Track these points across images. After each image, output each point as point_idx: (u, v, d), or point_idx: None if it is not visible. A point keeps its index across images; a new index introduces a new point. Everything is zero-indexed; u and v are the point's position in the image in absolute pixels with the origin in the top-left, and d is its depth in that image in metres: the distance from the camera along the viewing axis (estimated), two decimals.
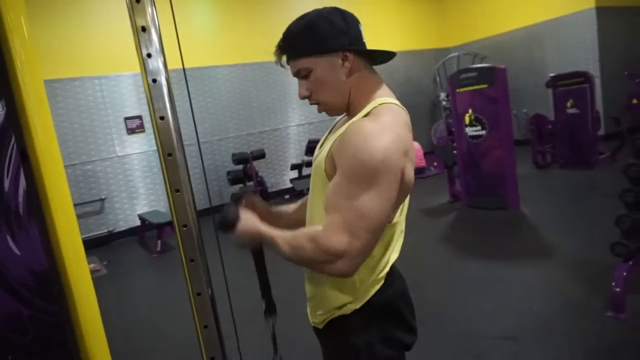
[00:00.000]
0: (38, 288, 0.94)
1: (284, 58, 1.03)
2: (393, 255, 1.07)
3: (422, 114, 9.98)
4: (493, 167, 4.91)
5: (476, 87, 4.88)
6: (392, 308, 1.05)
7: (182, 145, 1.15)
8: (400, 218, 1.04)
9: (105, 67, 6.13)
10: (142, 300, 3.96)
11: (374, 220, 0.88)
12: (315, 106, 1.07)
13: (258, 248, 1.15)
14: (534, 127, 6.73)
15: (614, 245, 2.54)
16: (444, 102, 9.06)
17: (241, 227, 1.05)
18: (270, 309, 1.21)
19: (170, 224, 5.43)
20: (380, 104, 0.98)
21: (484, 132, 4.88)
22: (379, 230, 0.91)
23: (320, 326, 1.10)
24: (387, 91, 1.05)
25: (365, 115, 0.97)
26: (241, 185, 6.80)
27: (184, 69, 1.15)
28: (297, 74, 1.03)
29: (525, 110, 7.93)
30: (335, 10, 1.01)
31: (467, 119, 5.00)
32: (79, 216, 6.00)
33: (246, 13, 7.31)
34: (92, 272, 4.85)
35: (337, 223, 0.88)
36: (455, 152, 5.40)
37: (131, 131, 6.43)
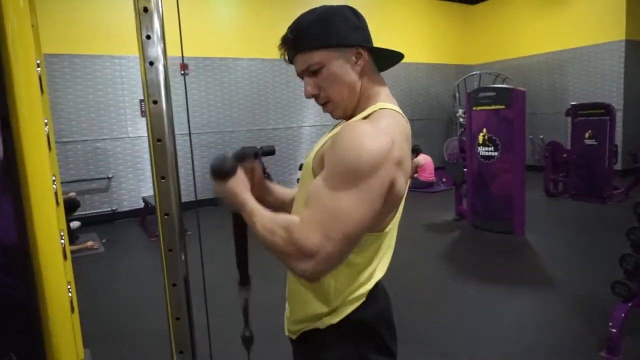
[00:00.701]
0: (5, 262, 0.91)
1: (288, 54, 0.98)
2: (378, 273, 1.00)
3: (438, 129, 9.90)
4: (502, 189, 4.82)
5: (493, 107, 4.81)
6: (370, 328, 0.99)
7: (173, 132, 1.12)
8: (388, 230, 0.97)
9: (126, 48, 6.16)
10: (132, 283, 3.96)
11: (351, 226, 0.81)
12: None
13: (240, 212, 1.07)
14: (549, 154, 6.61)
15: (615, 285, 2.46)
16: (460, 119, 8.98)
17: (229, 184, 0.99)
18: (244, 281, 1.14)
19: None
20: (381, 109, 0.94)
21: (496, 153, 4.80)
22: (354, 238, 0.84)
23: (294, 336, 1.06)
24: (390, 97, 1.00)
25: (364, 118, 0.93)
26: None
27: (182, 56, 1.12)
28: (305, 70, 0.96)
29: (541, 136, 7.82)
30: (347, 7, 0.97)
31: (480, 138, 4.92)
32: (85, 192, 6.07)
33: (271, 9, 7.31)
34: (89, 248, 4.87)
35: (314, 220, 0.82)
36: (465, 170, 5.33)
37: (144, 114, 6.44)
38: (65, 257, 2.21)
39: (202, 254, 1.24)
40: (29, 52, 0.93)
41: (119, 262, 4.55)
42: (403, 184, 0.92)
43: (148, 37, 1.06)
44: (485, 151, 4.89)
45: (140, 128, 6.45)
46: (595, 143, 6.08)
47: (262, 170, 1.19)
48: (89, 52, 6.00)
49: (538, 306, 3.07)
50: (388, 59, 1.04)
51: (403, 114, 0.98)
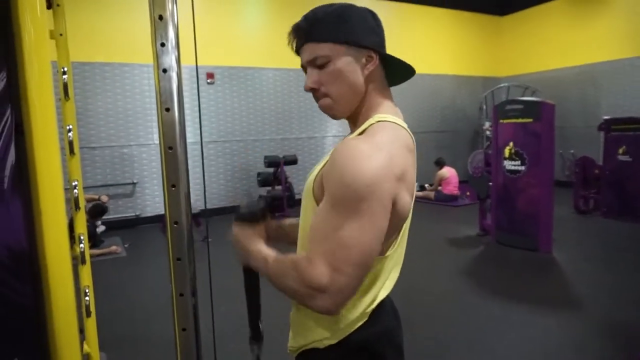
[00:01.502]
0: (13, 266, 0.92)
1: (296, 42, 0.95)
2: (382, 292, 0.95)
3: (464, 142, 9.75)
4: (528, 205, 4.68)
5: (521, 120, 4.69)
6: (372, 349, 0.94)
7: (185, 140, 1.11)
8: (393, 251, 0.93)
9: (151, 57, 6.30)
10: (151, 288, 3.99)
11: (359, 253, 0.77)
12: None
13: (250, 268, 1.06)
14: (579, 170, 6.40)
15: None
16: (487, 132, 8.81)
17: (250, 231, 0.99)
18: (256, 337, 1.12)
19: (194, 217, 5.49)
20: (378, 122, 0.89)
21: (523, 168, 4.67)
22: (366, 265, 0.80)
23: (295, 354, 1.02)
24: (392, 109, 0.95)
25: (360, 134, 0.89)
26: (269, 188, 6.81)
27: (197, 65, 1.12)
28: (311, 62, 0.91)
29: (572, 151, 7.59)
30: (367, 10, 0.94)
31: (507, 152, 4.80)
32: (110, 196, 6.20)
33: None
34: (113, 253, 4.96)
35: (319, 253, 0.79)
36: (490, 184, 5.20)
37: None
38: (84, 261, 2.23)
39: (210, 263, 1.22)
40: (45, 61, 0.94)
41: (140, 267, 4.61)
42: (407, 200, 0.86)
43: (162, 44, 1.05)
44: (512, 165, 4.76)
45: None
46: (630, 159, 5.86)
47: (274, 224, 1.17)
48: (119, 60, 6.18)
49: (563, 327, 2.94)
50: (398, 72, 0.99)
51: (405, 126, 0.92)
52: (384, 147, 0.81)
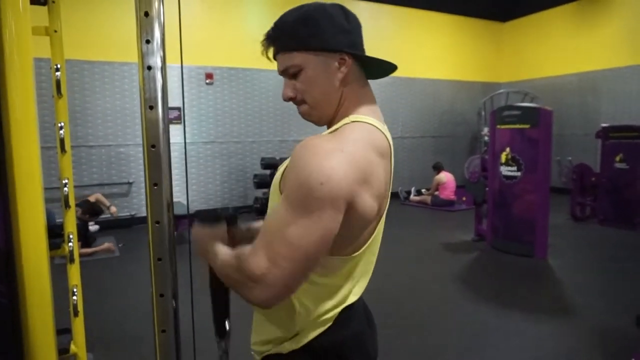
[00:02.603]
0: None
1: (272, 51, 0.93)
2: (351, 297, 0.93)
3: (462, 147, 9.74)
4: (524, 211, 4.67)
5: (518, 125, 4.68)
6: (338, 353, 0.91)
7: (168, 139, 1.09)
8: (360, 254, 0.89)
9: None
10: (142, 289, 3.96)
11: (299, 251, 0.75)
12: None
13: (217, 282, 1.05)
14: (577, 177, 6.40)
15: None
16: (485, 137, 8.80)
17: (208, 231, 0.97)
18: (220, 334, 1.09)
19: (187, 217, 5.48)
20: (353, 122, 0.86)
21: (519, 174, 4.66)
22: (306, 263, 0.77)
23: (258, 357, 0.99)
24: (369, 109, 0.92)
25: (332, 133, 0.86)
26: (265, 190, 6.80)
27: (181, 64, 1.11)
28: (284, 72, 0.91)
29: (569, 158, 7.58)
30: (338, 6, 0.89)
31: (503, 157, 4.80)
32: (106, 196, 6.17)
33: None
34: (106, 250, 4.93)
35: (262, 246, 0.78)
36: (486, 189, 5.19)
37: (170, 121, 6.57)
38: (72, 260, 2.21)
39: (191, 266, 1.21)
40: (26, 57, 0.93)
41: (132, 267, 4.59)
42: (370, 204, 0.82)
43: (148, 41, 1.04)
44: (508, 171, 4.76)
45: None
46: (627, 167, 5.86)
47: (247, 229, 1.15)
48: (118, 59, 6.17)
49: (557, 335, 2.92)
50: (379, 67, 0.95)
51: (382, 128, 0.89)
52: (346, 148, 0.78)
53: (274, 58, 0.94)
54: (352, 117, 0.88)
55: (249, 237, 1.12)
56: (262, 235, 0.80)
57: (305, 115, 0.94)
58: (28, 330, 0.95)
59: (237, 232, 1.08)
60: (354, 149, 0.79)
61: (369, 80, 0.99)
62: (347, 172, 0.76)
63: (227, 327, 1.11)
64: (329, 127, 0.95)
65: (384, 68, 0.96)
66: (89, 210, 5.00)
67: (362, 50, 0.92)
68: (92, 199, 5.40)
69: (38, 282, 0.96)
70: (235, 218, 1.07)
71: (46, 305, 0.99)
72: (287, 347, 0.90)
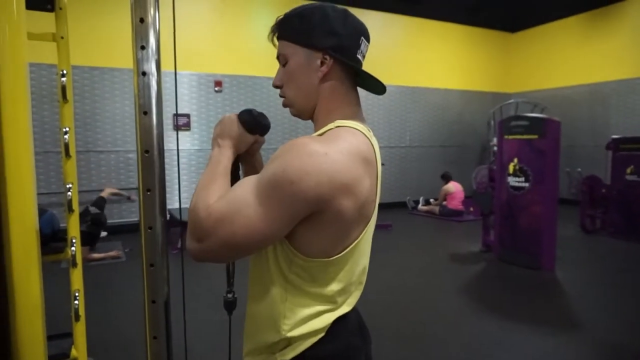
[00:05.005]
0: None
1: (275, 37, 0.98)
2: (345, 307, 0.91)
3: (471, 157, 9.68)
4: (531, 222, 4.60)
5: (525, 136, 4.64)
6: None
7: (162, 144, 1.10)
8: (343, 257, 0.86)
9: (164, 63, 6.37)
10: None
11: (244, 230, 0.78)
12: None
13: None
14: (586, 189, 6.31)
15: None
16: (495, 148, 8.74)
17: (226, 124, 0.99)
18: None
19: (179, 224, 5.49)
20: (338, 127, 0.87)
21: (527, 185, 4.61)
22: (237, 248, 0.80)
23: None
24: (353, 113, 0.93)
25: (319, 135, 0.87)
26: None
27: (175, 70, 1.11)
28: (277, 58, 0.96)
29: (579, 169, 7.50)
30: (341, 11, 0.91)
31: (511, 168, 4.75)
32: (113, 201, 6.23)
33: None
34: (113, 257, 4.96)
35: (218, 210, 0.80)
36: (494, 200, 5.14)
37: (175, 127, 6.63)
38: (75, 264, 2.21)
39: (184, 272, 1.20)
40: (20, 62, 0.93)
41: (137, 272, 4.60)
42: (349, 208, 0.81)
43: (142, 47, 1.05)
44: (516, 181, 4.71)
45: (170, 142, 6.60)
46: (638, 179, 5.76)
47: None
48: (127, 66, 6.24)
49: (562, 349, 2.86)
50: (370, 79, 0.95)
51: (366, 132, 0.89)
52: (332, 152, 0.78)
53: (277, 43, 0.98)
54: (337, 122, 0.89)
55: (253, 164, 1.10)
56: (225, 200, 0.82)
57: (286, 107, 0.98)
58: (16, 335, 0.95)
59: (256, 147, 1.07)
60: (338, 155, 0.79)
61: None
62: (322, 178, 0.76)
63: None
64: (314, 124, 0.97)
65: (374, 83, 0.96)
66: (95, 221, 4.98)
67: (353, 56, 0.92)
68: (104, 194, 5.45)
69: (29, 292, 0.96)
70: (267, 130, 1.05)
71: (36, 310, 0.99)
72: (279, 357, 0.89)
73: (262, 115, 1.03)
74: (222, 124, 0.99)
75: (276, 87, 0.97)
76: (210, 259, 0.84)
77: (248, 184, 0.81)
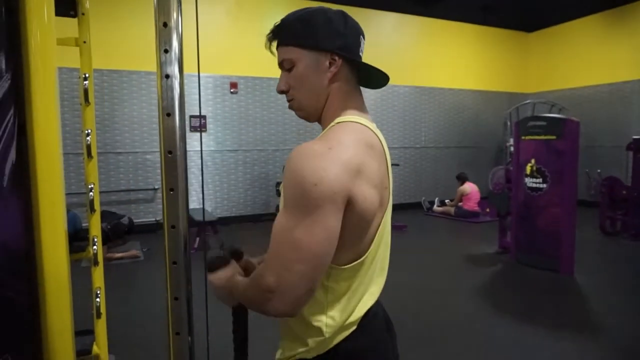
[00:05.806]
0: (8, 264, 0.94)
1: (274, 44, 0.98)
2: (367, 297, 0.93)
3: (487, 158, 9.58)
4: (549, 224, 4.54)
5: (543, 137, 4.58)
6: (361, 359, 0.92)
7: (185, 145, 1.12)
8: (369, 253, 0.90)
9: (185, 66, 6.46)
10: (164, 292, 4.03)
11: (306, 251, 0.77)
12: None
13: (239, 305, 1.10)
14: (606, 190, 6.19)
15: None
16: (511, 148, 8.64)
17: (219, 273, 1.03)
18: None
19: (211, 223, 5.55)
20: (338, 122, 0.90)
21: (544, 186, 4.55)
22: (315, 264, 0.79)
23: None
24: (356, 111, 0.95)
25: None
26: None
27: (199, 73, 1.14)
28: (280, 64, 0.96)
29: (599, 171, 7.37)
30: (339, 13, 0.94)
31: (528, 169, 4.70)
32: (131, 201, 6.34)
33: None
34: (132, 257, 5.04)
35: (271, 257, 0.80)
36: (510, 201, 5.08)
37: (194, 129, 6.71)
38: (96, 263, 2.27)
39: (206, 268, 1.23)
40: (50, 66, 0.97)
41: (155, 271, 4.67)
42: (370, 193, 0.83)
43: (166, 51, 1.08)
44: (533, 183, 4.65)
45: (188, 143, 6.69)
46: None
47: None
48: (145, 69, 6.35)
49: (580, 354, 2.82)
50: (374, 77, 0.99)
51: (370, 126, 0.92)
52: (334, 145, 0.81)
53: (277, 50, 0.99)
54: (337, 120, 0.92)
55: (259, 263, 1.16)
56: (270, 247, 0.82)
57: (295, 111, 1.00)
58: (47, 330, 0.99)
59: (247, 263, 1.13)
60: (342, 145, 0.82)
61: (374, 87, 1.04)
62: (338, 169, 0.78)
63: None
64: (321, 126, 0.99)
65: (378, 77, 0.99)
66: (114, 229, 4.94)
67: (357, 54, 0.95)
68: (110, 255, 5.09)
69: (57, 283, 1.00)
70: (240, 252, 1.12)
71: (65, 306, 1.02)
72: (313, 352, 0.92)
73: (224, 250, 1.10)
74: (215, 288, 1.05)
75: (281, 92, 0.98)
76: (298, 297, 0.80)
77: (279, 221, 0.82)
